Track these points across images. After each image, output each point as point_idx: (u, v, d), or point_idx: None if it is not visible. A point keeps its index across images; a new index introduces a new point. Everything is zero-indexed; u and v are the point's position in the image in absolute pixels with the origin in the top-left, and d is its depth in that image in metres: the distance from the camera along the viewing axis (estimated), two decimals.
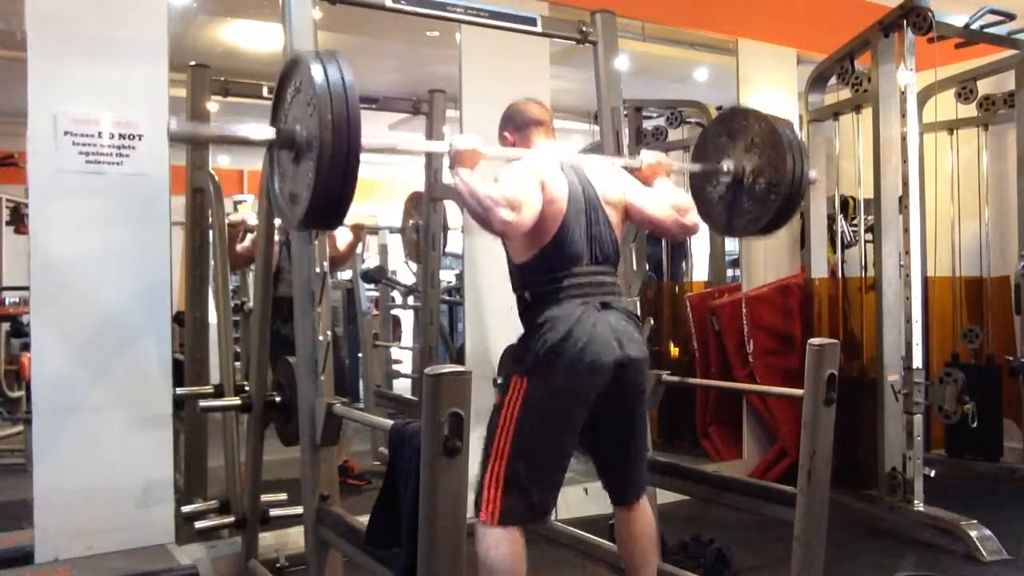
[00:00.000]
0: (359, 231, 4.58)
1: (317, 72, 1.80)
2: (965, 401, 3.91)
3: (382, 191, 8.01)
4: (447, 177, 4.48)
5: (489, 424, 2.21)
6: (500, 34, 2.94)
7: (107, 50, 2.96)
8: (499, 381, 2.26)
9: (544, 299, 2.19)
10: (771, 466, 4.42)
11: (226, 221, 3.43)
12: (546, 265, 2.21)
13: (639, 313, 2.87)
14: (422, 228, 4.68)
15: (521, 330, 2.27)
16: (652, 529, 2.41)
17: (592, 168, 2.37)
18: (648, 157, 2.55)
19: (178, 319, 3.49)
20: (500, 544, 2.11)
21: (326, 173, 1.79)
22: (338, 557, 2.34)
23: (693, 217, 2.45)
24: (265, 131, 2.00)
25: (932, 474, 3.79)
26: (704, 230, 5.05)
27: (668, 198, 2.43)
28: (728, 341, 4.54)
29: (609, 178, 2.38)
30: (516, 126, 2.42)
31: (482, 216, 2.09)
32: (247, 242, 3.99)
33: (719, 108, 4.92)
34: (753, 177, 2.75)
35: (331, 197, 1.84)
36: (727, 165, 2.81)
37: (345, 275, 5.09)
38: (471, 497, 2.00)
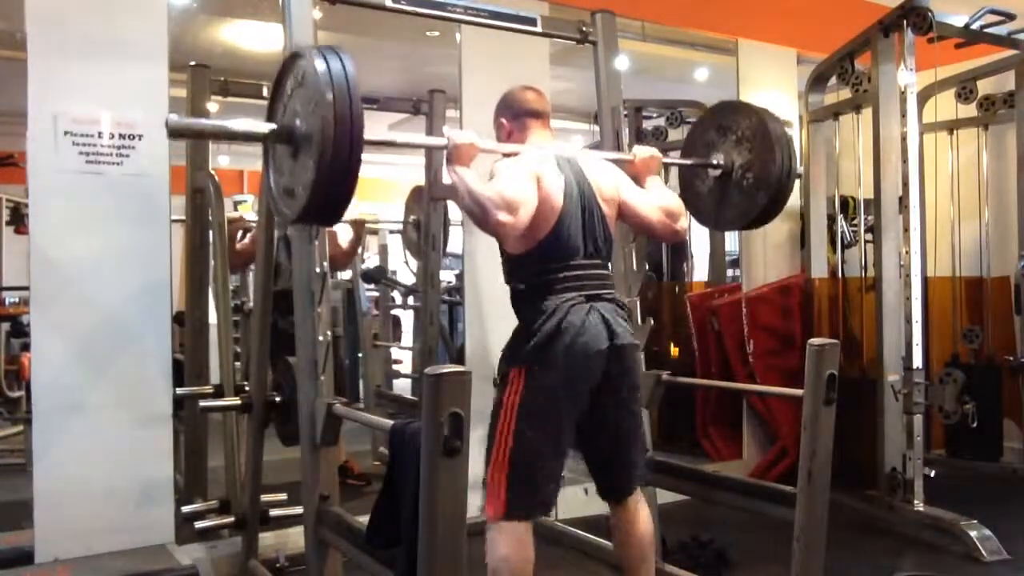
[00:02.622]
0: (360, 227, 4.55)
1: (319, 65, 1.79)
2: (965, 401, 3.91)
3: (382, 191, 8.02)
4: (447, 177, 4.49)
5: (491, 421, 2.22)
6: (500, 34, 2.94)
7: (107, 50, 2.96)
8: (498, 380, 2.26)
9: (539, 291, 2.20)
10: (771, 466, 4.42)
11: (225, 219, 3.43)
12: (541, 258, 2.21)
13: (637, 310, 2.89)
14: (422, 227, 4.67)
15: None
16: (649, 531, 2.40)
17: (587, 162, 2.37)
18: (641, 152, 2.56)
19: (178, 319, 3.49)
20: (508, 542, 2.12)
21: (327, 167, 1.78)
22: (338, 557, 2.34)
23: (683, 222, 2.47)
24: (263, 125, 2.00)
25: (932, 474, 3.79)
26: (704, 230, 5.10)
27: (659, 201, 2.44)
28: (728, 341, 4.54)
29: (604, 173, 2.39)
30: (513, 114, 2.42)
31: (478, 216, 2.10)
32: (247, 240, 3.98)
33: None
34: (742, 171, 2.76)
35: (332, 192, 1.83)
36: (717, 159, 2.82)
37: (345, 275, 5.09)
38: (471, 498, 1.99)
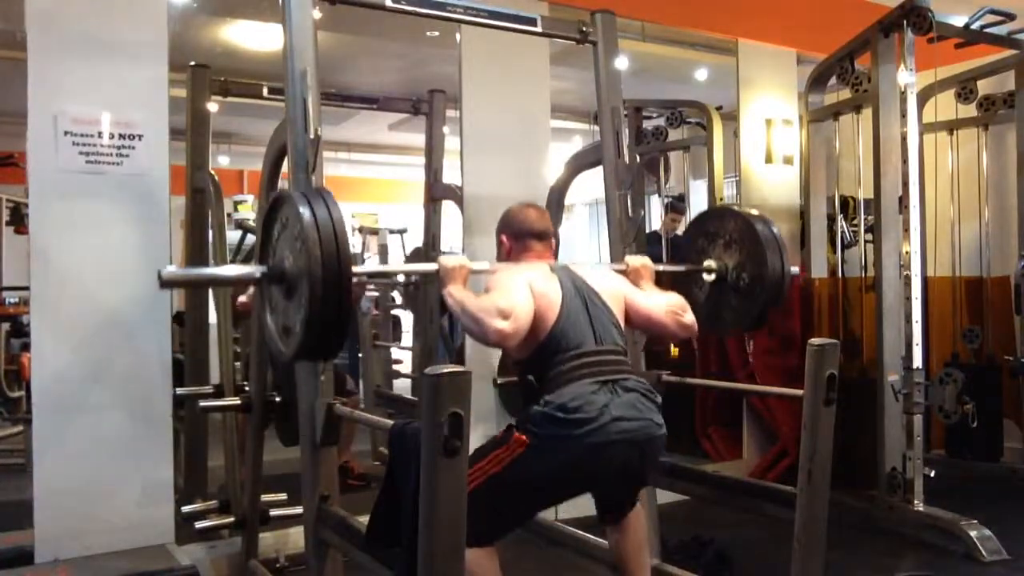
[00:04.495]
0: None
1: (304, 211, 1.81)
2: (965, 401, 3.91)
3: (382, 191, 8.03)
4: (447, 177, 4.50)
5: (476, 452, 2.09)
6: (500, 34, 2.94)
7: (107, 50, 2.96)
8: (506, 425, 2.19)
9: (552, 381, 2.11)
10: (771, 466, 4.42)
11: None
12: (550, 354, 2.14)
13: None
14: (423, 228, 4.68)
15: None
16: (645, 538, 2.40)
17: (583, 270, 2.35)
18: (633, 261, 2.57)
19: (178, 319, 3.49)
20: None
21: (318, 308, 1.79)
22: (338, 557, 2.34)
23: (690, 316, 2.40)
24: (255, 269, 2.03)
25: (932, 474, 3.78)
26: None
27: (664, 299, 2.41)
28: (728, 341, 4.54)
29: (602, 277, 2.37)
30: (514, 233, 2.39)
31: (476, 330, 2.07)
32: (246, 297, 3.89)
33: (719, 108, 4.93)
34: (736, 273, 2.75)
35: (324, 330, 1.84)
36: (709, 264, 2.80)
37: None
38: None
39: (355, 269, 1.91)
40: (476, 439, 1.83)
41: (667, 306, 2.38)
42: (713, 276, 2.80)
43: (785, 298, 2.76)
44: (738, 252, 2.74)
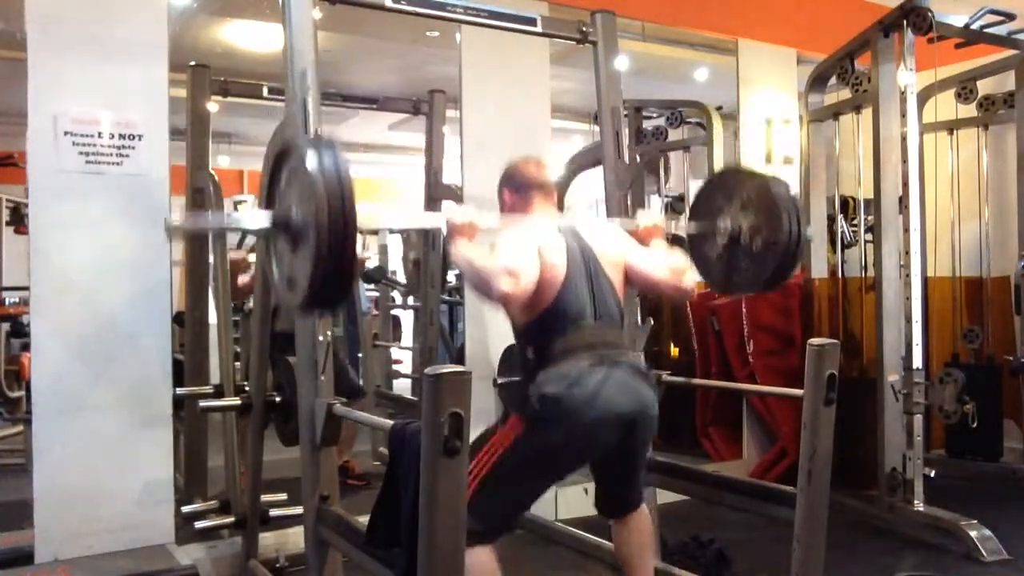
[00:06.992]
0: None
1: (311, 160, 1.79)
2: (965, 401, 3.91)
3: (382, 191, 8.03)
4: (447, 177, 4.50)
5: (475, 442, 2.12)
6: (500, 34, 2.94)
7: (107, 50, 2.96)
8: (501, 413, 2.23)
9: (549, 356, 2.15)
10: (771, 466, 4.42)
11: (228, 256, 3.42)
12: (549, 325, 2.18)
13: (638, 311, 2.87)
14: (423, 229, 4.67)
15: None
16: (650, 539, 2.41)
17: (590, 229, 2.36)
18: (644, 219, 2.57)
19: (178, 319, 3.49)
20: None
21: (324, 258, 1.77)
22: (338, 557, 2.34)
23: (688, 279, 2.42)
24: (261, 218, 2.01)
25: (932, 474, 3.79)
26: None
27: (663, 260, 2.41)
28: (728, 341, 4.54)
29: (607, 238, 2.37)
30: (515, 187, 2.41)
31: (482, 286, 2.10)
32: (247, 278, 3.91)
33: (719, 108, 4.93)
34: (750, 236, 2.73)
35: (329, 280, 1.82)
36: (723, 225, 2.76)
37: None
38: None
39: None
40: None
41: (667, 268, 2.39)
42: (726, 238, 2.78)
43: (795, 267, 2.72)
44: (753, 214, 2.71)
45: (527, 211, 2.37)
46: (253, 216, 2.02)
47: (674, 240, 2.66)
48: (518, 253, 2.12)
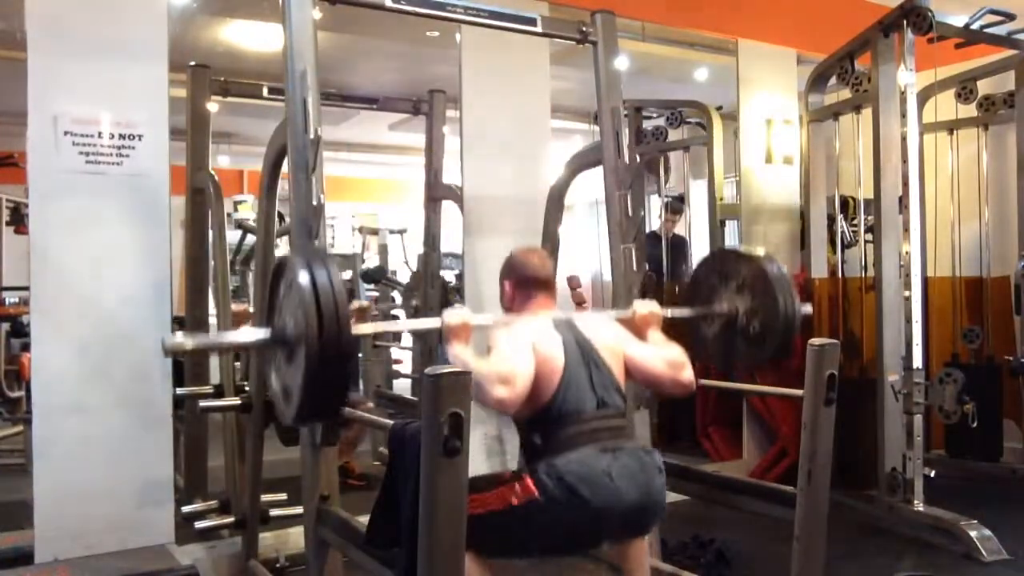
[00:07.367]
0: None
1: (303, 277, 1.81)
2: (965, 401, 3.90)
3: (382, 191, 8.03)
4: (447, 177, 4.50)
5: (481, 479, 2.12)
6: (500, 34, 2.94)
7: (107, 50, 2.96)
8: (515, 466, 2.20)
9: (553, 445, 2.13)
10: (771, 466, 4.42)
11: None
12: (551, 419, 2.16)
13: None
14: (423, 228, 4.67)
15: None
16: (644, 540, 2.40)
17: (585, 321, 2.35)
18: (640, 307, 2.54)
19: (178, 321, 3.49)
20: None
21: (314, 371, 1.80)
22: (338, 557, 2.34)
23: (687, 373, 2.40)
24: (260, 333, 2.03)
25: (932, 474, 3.79)
26: (703, 221, 5.10)
27: (663, 354, 2.40)
28: None
29: (604, 329, 2.36)
30: (517, 281, 2.39)
31: (477, 393, 2.04)
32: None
33: (719, 108, 4.93)
34: (747, 319, 2.71)
35: (320, 394, 1.85)
36: (720, 308, 2.75)
37: (345, 275, 5.09)
38: None
39: (356, 329, 1.91)
40: (476, 439, 1.83)
41: (665, 362, 2.36)
42: (723, 319, 2.74)
43: (793, 343, 2.69)
44: (750, 297, 2.68)
45: (526, 307, 2.35)
46: (253, 333, 2.07)
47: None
48: (512, 357, 2.10)
